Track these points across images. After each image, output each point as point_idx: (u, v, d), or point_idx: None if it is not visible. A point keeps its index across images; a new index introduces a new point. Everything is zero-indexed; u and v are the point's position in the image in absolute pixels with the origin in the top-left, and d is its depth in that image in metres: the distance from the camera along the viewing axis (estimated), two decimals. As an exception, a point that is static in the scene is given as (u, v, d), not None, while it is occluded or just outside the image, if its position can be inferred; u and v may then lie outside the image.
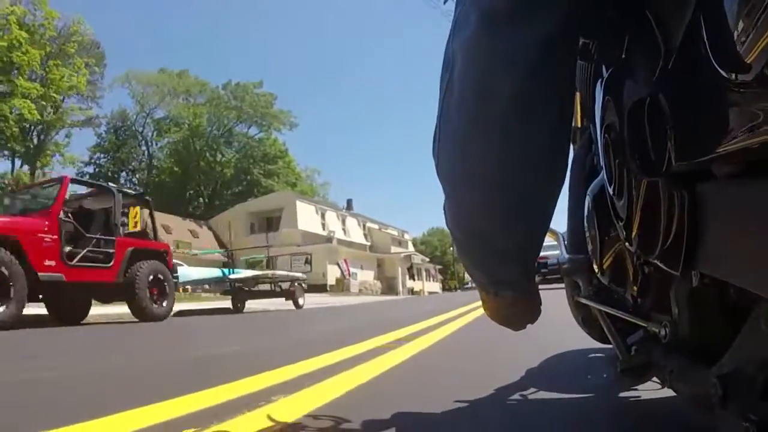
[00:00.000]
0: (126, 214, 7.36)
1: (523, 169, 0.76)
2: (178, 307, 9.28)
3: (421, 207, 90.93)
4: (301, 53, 75.51)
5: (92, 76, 37.95)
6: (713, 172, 0.54)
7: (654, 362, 0.81)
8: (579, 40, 0.85)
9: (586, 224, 1.01)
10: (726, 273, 0.53)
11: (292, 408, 1.33)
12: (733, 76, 0.43)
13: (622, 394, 1.41)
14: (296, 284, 10.85)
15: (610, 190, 0.77)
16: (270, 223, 33.27)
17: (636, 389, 1.40)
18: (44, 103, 28.50)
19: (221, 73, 76.17)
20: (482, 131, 0.74)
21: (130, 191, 8.34)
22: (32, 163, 31.07)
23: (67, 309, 6.40)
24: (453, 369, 2.14)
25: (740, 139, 0.45)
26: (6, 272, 4.92)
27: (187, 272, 9.76)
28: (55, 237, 5.60)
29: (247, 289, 9.89)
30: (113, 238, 6.40)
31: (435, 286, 45.86)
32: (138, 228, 7.53)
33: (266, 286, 10.63)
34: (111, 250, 6.27)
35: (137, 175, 44.45)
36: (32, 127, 30.21)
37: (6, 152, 30.03)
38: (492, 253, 0.88)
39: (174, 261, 7.79)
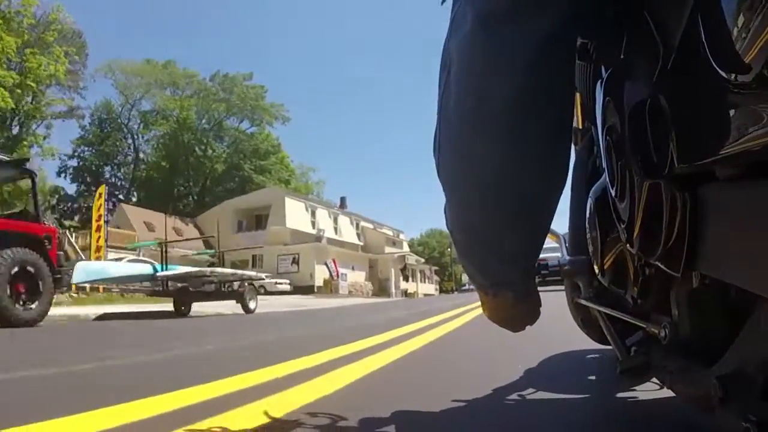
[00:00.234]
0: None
1: (522, 171, 0.76)
2: (104, 309, 8.27)
3: (420, 208, 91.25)
4: (297, 49, 75.08)
5: (74, 66, 36.96)
6: (714, 173, 0.54)
7: (654, 363, 0.82)
8: (577, 40, 0.86)
9: (587, 226, 1.02)
10: (727, 274, 0.54)
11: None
12: (733, 76, 0.44)
13: (620, 395, 1.41)
14: (246, 285, 9.37)
15: (612, 192, 0.77)
16: (259, 220, 32.34)
17: (634, 390, 1.40)
18: (20, 91, 27.50)
19: (210, 66, 75.28)
20: (480, 132, 0.74)
21: (5, 157, 6.55)
22: (9, 155, 30.11)
23: None
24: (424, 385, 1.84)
25: (741, 140, 0.45)
26: None
27: (99, 268, 8.12)
28: None
29: (193, 289, 8.61)
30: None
31: (430, 288, 45.08)
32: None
33: (233, 285, 9.28)
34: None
35: (122, 170, 43.70)
36: (9, 117, 29.24)
37: (-21, 143, 29.11)
38: (492, 254, 0.89)
39: (60, 253, 6.10)
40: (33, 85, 29.62)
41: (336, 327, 4.95)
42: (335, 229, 35.14)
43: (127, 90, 40.96)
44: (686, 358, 0.69)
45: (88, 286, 10.25)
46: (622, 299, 0.92)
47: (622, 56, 0.75)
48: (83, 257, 18.48)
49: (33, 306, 5.38)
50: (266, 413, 1.27)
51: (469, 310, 6.53)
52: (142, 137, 43.42)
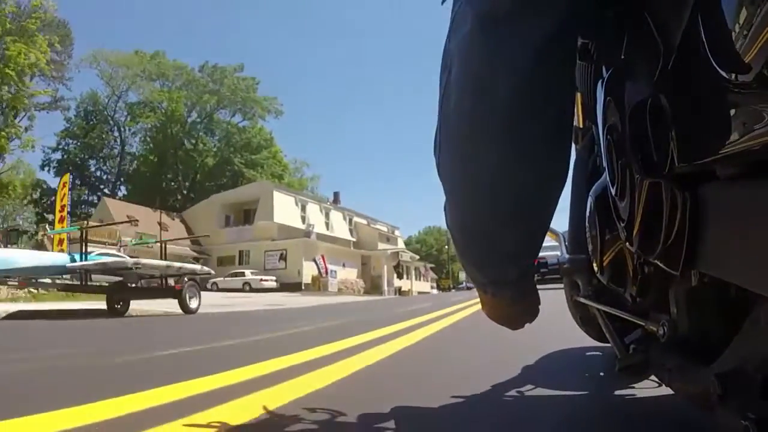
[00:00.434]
0: None
1: (522, 170, 0.77)
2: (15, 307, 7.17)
3: (418, 206, 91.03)
4: (293, 44, 74.57)
5: (59, 56, 36.19)
6: (714, 173, 0.55)
7: (652, 361, 0.83)
8: (577, 40, 0.86)
9: (587, 224, 1.02)
10: (726, 272, 0.55)
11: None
12: (733, 76, 0.44)
13: (618, 392, 1.42)
14: (185, 280, 7.88)
15: (612, 191, 0.78)
16: (247, 215, 31.48)
17: (632, 387, 1.41)
18: (-2, 80, 26.71)
19: (200, 59, 74.71)
20: (480, 132, 0.75)
21: None
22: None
23: None
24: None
25: (741, 140, 0.46)
26: None
27: (3, 257, 6.68)
28: None
29: (132, 285, 7.64)
30: None
31: (426, 286, 43.95)
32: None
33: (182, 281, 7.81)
34: None
35: (108, 163, 42.72)
36: (-13, 107, 28.47)
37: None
38: (491, 253, 0.89)
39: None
40: (12, 73, 28.84)
41: (280, 334, 3.94)
42: (326, 224, 33.93)
43: (112, 81, 40.14)
44: (685, 356, 0.69)
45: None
46: (621, 297, 0.93)
47: (622, 56, 0.76)
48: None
49: None
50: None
51: (458, 310, 5.98)
52: (129, 130, 42.59)
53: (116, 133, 42.70)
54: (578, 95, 1.14)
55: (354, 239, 36.06)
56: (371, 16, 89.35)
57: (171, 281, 8.09)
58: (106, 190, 40.52)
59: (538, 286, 1.04)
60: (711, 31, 0.48)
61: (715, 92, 0.48)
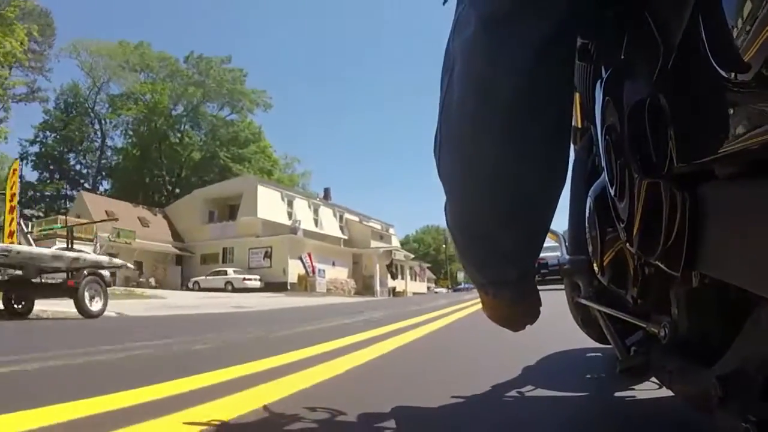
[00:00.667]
0: None
1: (522, 170, 0.77)
2: None
3: (416, 204, 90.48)
4: (287, 40, 74.14)
5: (40, 46, 34.98)
6: (714, 172, 0.55)
7: (653, 362, 0.82)
8: (578, 41, 0.88)
9: (587, 225, 1.02)
10: (726, 273, 0.54)
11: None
12: (733, 75, 0.45)
13: (619, 393, 1.42)
14: (84, 274, 6.29)
15: (612, 191, 0.78)
16: (232, 211, 30.07)
17: (633, 389, 1.41)
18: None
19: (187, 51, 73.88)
20: (481, 132, 0.75)
21: None
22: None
23: None
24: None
25: (741, 139, 0.45)
26: None
27: None
28: None
29: (36, 281, 6.19)
30: None
31: (422, 286, 42.29)
32: None
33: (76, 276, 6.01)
34: None
35: (88, 156, 41.17)
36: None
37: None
38: (491, 253, 0.89)
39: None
40: (-16, 61, 27.46)
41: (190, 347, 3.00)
42: (315, 221, 32.19)
43: (93, 72, 38.42)
44: (686, 358, 0.69)
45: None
46: (621, 299, 0.93)
47: (622, 56, 0.76)
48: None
49: None
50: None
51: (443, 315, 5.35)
52: (110, 122, 40.88)
53: (97, 126, 41.31)
54: (577, 95, 1.14)
55: (345, 237, 34.33)
56: (368, 10, 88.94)
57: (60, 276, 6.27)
58: (86, 185, 39.21)
59: (539, 287, 1.04)
60: (711, 31, 0.48)
61: (714, 92, 0.48)
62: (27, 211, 33.04)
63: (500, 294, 0.95)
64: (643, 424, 1.17)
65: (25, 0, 29.47)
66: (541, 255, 0.96)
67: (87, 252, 7.72)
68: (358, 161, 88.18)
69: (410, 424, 1.21)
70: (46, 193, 38.17)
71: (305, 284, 26.46)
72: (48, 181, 38.39)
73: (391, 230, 41.18)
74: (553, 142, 0.78)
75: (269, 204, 29.13)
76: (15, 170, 18.66)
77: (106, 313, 6.52)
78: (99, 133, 41.12)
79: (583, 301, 1.23)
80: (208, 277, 26.03)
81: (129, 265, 7.79)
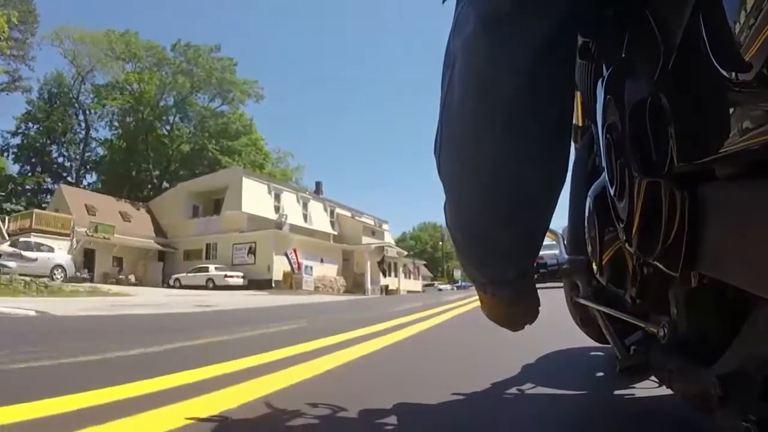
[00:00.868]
0: None
1: (522, 170, 0.77)
2: None
3: (414, 202, 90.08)
4: (289, 39, 73.49)
5: (22, 35, 33.99)
6: (714, 172, 0.55)
7: (653, 362, 0.83)
8: (578, 39, 0.88)
9: (586, 225, 1.02)
10: (726, 274, 0.54)
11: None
12: (734, 75, 0.45)
13: (618, 392, 1.43)
14: None
15: (612, 191, 0.78)
16: (218, 205, 28.94)
17: (632, 387, 1.41)
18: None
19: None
20: (482, 131, 0.75)
21: None
22: None
23: None
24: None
25: (741, 139, 0.46)
26: None
27: None
28: None
29: None
30: None
31: (416, 285, 40.55)
32: None
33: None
34: None
35: (72, 149, 39.44)
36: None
37: None
38: (490, 253, 0.90)
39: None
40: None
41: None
42: (305, 215, 30.66)
43: (77, 60, 36.78)
44: (685, 358, 0.69)
45: None
46: (620, 298, 0.93)
47: (623, 55, 0.76)
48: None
49: None
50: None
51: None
52: (95, 113, 39.23)
53: (81, 117, 39.59)
54: (578, 94, 1.14)
55: (335, 232, 32.70)
56: (366, 8, 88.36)
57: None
58: (69, 178, 38.12)
59: (539, 285, 1.05)
60: (712, 30, 0.48)
61: (715, 91, 0.49)
62: (7, 206, 32.09)
63: (499, 293, 0.96)
64: (643, 422, 1.18)
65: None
66: (540, 253, 0.95)
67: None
68: (357, 160, 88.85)
69: (410, 422, 1.21)
70: (28, 187, 37.05)
71: (290, 282, 24.97)
72: (29, 174, 37.36)
73: (385, 226, 39.69)
74: (554, 142, 0.78)
75: (255, 197, 27.68)
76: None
77: (25, 312, 5.54)
78: (83, 124, 39.67)
79: (582, 301, 1.25)
80: (189, 274, 25.03)
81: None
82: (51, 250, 18.32)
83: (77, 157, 39.48)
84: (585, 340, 1.77)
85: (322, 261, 29.00)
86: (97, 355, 2.24)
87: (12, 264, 14.74)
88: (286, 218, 27.84)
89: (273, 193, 29.43)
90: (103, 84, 38.41)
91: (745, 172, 0.50)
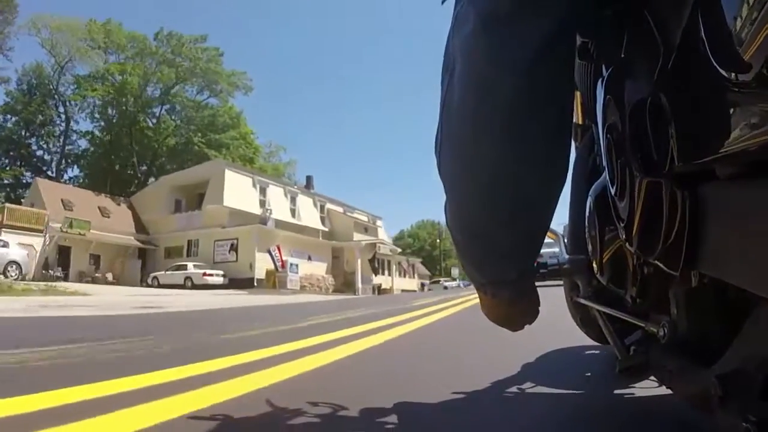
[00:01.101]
0: None
1: (522, 170, 0.77)
2: None
3: (412, 199, 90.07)
4: (292, 39, 73.07)
5: (0, 25, 32.88)
6: (715, 172, 0.55)
7: (653, 362, 0.83)
8: (577, 39, 0.89)
9: (586, 224, 1.02)
10: (726, 273, 0.55)
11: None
12: (733, 75, 0.45)
13: (618, 391, 1.43)
14: None
15: (612, 190, 0.78)
16: (201, 199, 27.76)
17: (632, 386, 1.42)
18: None
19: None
20: (481, 131, 0.75)
21: None
22: None
23: None
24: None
25: (741, 139, 0.46)
26: None
27: None
28: None
29: None
30: None
31: (412, 283, 38.83)
32: None
33: None
34: None
35: (52, 142, 37.87)
36: None
37: None
38: (490, 253, 0.89)
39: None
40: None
41: None
42: (292, 211, 29.36)
43: (55, 49, 35.15)
44: (685, 358, 0.69)
45: None
46: (621, 298, 0.93)
47: (622, 55, 0.76)
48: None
49: None
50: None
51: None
52: (75, 104, 37.71)
53: (62, 109, 37.97)
54: (578, 94, 1.15)
55: (326, 229, 31.42)
56: (363, 6, 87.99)
57: None
58: (49, 172, 36.97)
59: (539, 284, 1.05)
60: (711, 30, 0.48)
61: (715, 91, 0.49)
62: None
63: (499, 293, 0.96)
64: (643, 422, 1.18)
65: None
66: (541, 252, 0.95)
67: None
68: (357, 159, 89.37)
69: (410, 420, 1.21)
70: (6, 181, 35.94)
71: (273, 280, 23.65)
72: (7, 168, 36.20)
73: (379, 222, 38.13)
74: (553, 142, 0.78)
75: (238, 191, 26.24)
76: None
77: None
78: (63, 116, 38.09)
79: (583, 301, 1.25)
80: (167, 273, 23.91)
81: None
82: (5, 245, 17.21)
83: (57, 150, 38.31)
84: (584, 340, 1.77)
85: (309, 258, 27.79)
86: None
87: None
88: (270, 213, 26.59)
89: (258, 186, 27.94)
90: (84, 75, 37.17)
91: (745, 172, 0.50)
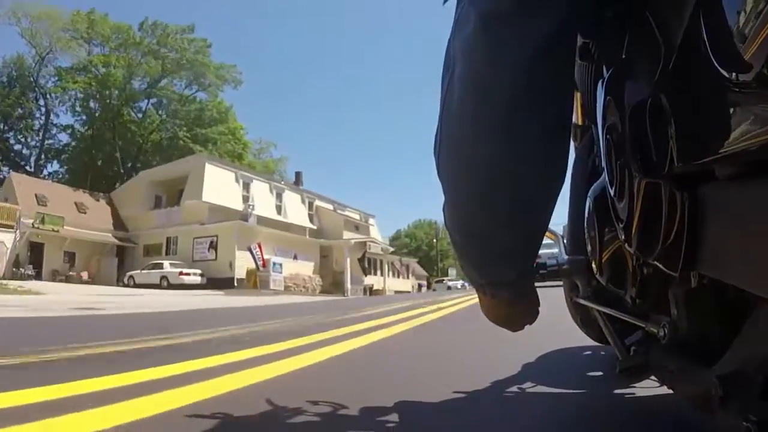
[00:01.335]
0: None
1: (521, 170, 0.77)
2: None
3: (412, 198, 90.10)
4: (293, 38, 73.01)
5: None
6: (714, 173, 0.55)
7: (653, 362, 0.83)
8: (578, 40, 0.89)
9: (586, 225, 1.03)
10: (725, 274, 0.55)
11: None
12: (734, 75, 0.45)
13: (619, 391, 1.43)
14: None
15: (611, 191, 0.79)
16: (182, 195, 26.85)
17: (633, 386, 1.42)
18: None
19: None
20: (480, 131, 0.76)
21: None
22: None
23: None
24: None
25: (741, 139, 0.46)
26: None
27: None
28: None
29: None
30: None
31: (406, 284, 37.34)
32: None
33: None
34: None
35: (32, 136, 36.67)
36: None
37: None
38: (489, 253, 0.90)
39: None
40: None
41: None
42: (278, 207, 28.08)
43: (35, 39, 33.81)
44: (686, 358, 0.69)
45: None
46: (620, 299, 0.93)
47: (623, 56, 0.76)
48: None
49: None
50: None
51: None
52: (55, 97, 36.42)
53: (42, 102, 36.54)
54: (578, 95, 1.15)
55: (314, 227, 30.13)
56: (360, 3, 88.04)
57: None
58: (28, 167, 36.06)
59: (538, 285, 1.06)
60: (712, 31, 0.49)
61: (715, 91, 0.49)
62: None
63: (498, 294, 0.96)
64: (643, 422, 1.18)
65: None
66: (540, 252, 0.95)
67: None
68: (357, 158, 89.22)
69: (410, 419, 1.21)
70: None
71: (254, 280, 22.45)
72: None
73: (371, 221, 36.85)
74: (553, 142, 0.78)
75: (219, 186, 25.01)
76: None
77: None
78: (44, 109, 37.02)
79: (582, 302, 1.26)
80: (143, 272, 22.98)
81: None
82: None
83: (36, 144, 37.37)
84: (585, 340, 1.78)
85: (295, 257, 26.70)
86: None
87: None
88: (252, 209, 25.39)
89: (241, 181, 26.69)
90: (67, 67, 36.15)
91: (745, 172, 0.50)
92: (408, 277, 39.51)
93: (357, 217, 35.08)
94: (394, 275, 36.06)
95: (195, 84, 38.82)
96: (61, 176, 36.49)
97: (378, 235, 36.57)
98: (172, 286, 20.97)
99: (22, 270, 21.57)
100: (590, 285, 1.17)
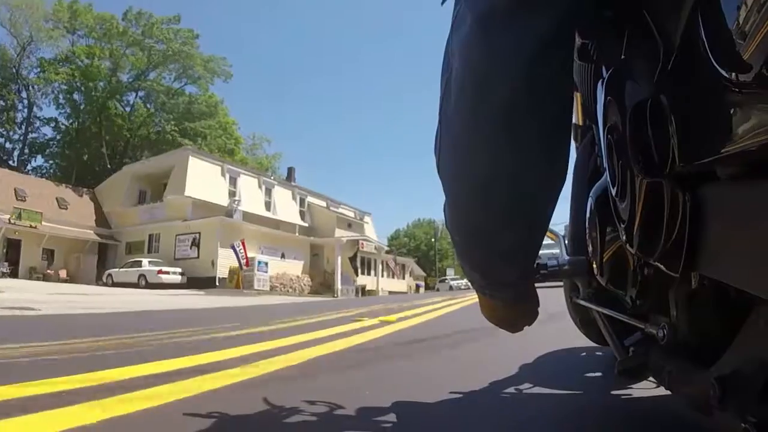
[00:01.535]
0: None
1: (521, 171, 0.77)
2: None
3: (411, 198, 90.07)
4: (290, 36, 72.75)
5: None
6: (715, 173, 0.55)
7: (652, 364, 0.83)
8: (576, 40, 0.90)
9: (587, 225, 1.04)
10: (726, 275, 0.55)
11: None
12: (733, 75, 0.45)
13: (617, 392, 1.44)
14: None
15: (612, 192, 0.79)
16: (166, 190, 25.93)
17: (631, 387, 1.44)
18: None
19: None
20: (479, 132, 0.76)
21: None
22: None
23: None
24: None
25: (741, 140, 0.47)
26: None
27: None
28: None
29: None
30: None
31: (401, 285, 35.98)
32: None
33: None
34: None
35: (12, 128, 35.42)
36: None
37: None
38: (489, 254, 0.90)
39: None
40: None
41: None
42: (267, 203, 26.80)
43: (15, 29, 32.16)
44: (685, 359, 0.70)
45: None
46: (620, 299, 0.94)
47: (622, 56, 0.77)
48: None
49: None
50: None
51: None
52: (38, 89, 34.68)
53: (24, 94, 34.91)
54: (578, 95, 1.16)
55: (305, 224, 28.73)
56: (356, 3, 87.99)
57: None
58: (11, 162, 35.23)
59: (538, 285, 1.07)
60: (711, 31, 0.49)
61: (715, 92, 0.49)
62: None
63: (498, 295, 0.98)
64: (642, 422, 1.19)
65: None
66: (540, 253, 0.96)
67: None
68: (356, 157, 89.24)
69: (409, 420, 1.22)
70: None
71: (237, 280, 21.25)
72: (-37, 158, 34.55)
73: (366, 219, 36.00)
74: (552, 142, 0.78)
75: (204, 180, 23.65)
76: None
77: None
78: (26, 101, 35.35)
79: (582, 302, 1.26)
80: (121, 270, 22.13)
81: None
82: None
83: (19, 138, 36.49)
84: (584, 341, 1.79)
85: (283, 256, 25.63)
86: None
87: None
88: (238, 204, 24.36)
89: (228, 176, 25.29)
90: (49, 58, 35.17)
91: (746, 173, 0.50)
92: (404, 278, 38.52)
93: (351, 214, 34.00)
94: (388, 275, 35.08)
95: (184, 76, 37.79)
96: (45, 171, 35.66)
97: (373, 234, 35.50)
98: (150, 285, 20.10)
99: (-5, 268, 20.75)
100: (590, 286, 1.18)
